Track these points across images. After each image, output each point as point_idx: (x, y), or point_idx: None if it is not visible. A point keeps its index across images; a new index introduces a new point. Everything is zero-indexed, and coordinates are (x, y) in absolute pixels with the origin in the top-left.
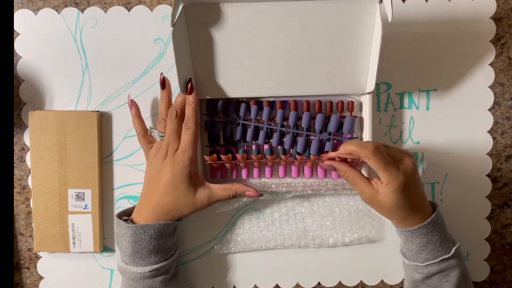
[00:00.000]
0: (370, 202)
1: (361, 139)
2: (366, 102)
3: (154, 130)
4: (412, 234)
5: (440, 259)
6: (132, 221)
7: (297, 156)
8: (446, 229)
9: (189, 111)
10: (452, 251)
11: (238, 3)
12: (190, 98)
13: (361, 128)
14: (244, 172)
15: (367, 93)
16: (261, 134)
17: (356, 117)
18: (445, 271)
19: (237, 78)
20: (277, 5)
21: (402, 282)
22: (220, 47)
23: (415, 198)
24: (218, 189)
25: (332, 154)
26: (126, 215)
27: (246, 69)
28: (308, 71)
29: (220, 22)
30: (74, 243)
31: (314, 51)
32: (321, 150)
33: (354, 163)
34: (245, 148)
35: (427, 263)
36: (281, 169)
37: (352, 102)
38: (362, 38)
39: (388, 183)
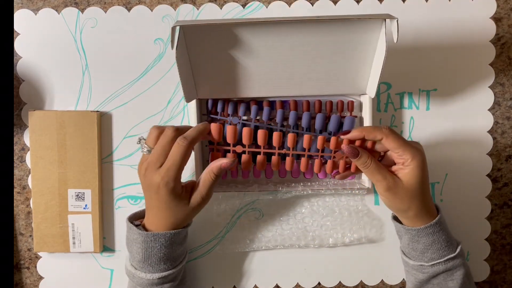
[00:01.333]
0: (392, 189)
1: None
2: (366, 102)
3: (143, 141)
4: (418, 233)
5: (446, 258)
6: (144, 227)
7: (305, 137)
8: (449, 229)
9: (193, 130)
10: (458, 250)
11: (237, 27)
12: (201, 126)
13: None
14: (244, 172)
15: (366, 93)
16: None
17: (356, 116)
18: (451, 270)
19: (237, 79)
20: (277, 26)
21: (402, 282)
22: (220, 52)
23: (428, 186)
24: (202, 180)
25: (343, 137)
26: (138, 218)
27: (246, 72)
28: (309, 75)
29: (219, 40)
30: (74, 243)
31: (316, 58)
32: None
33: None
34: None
35: (432, 263)
36: (281, 169)
37: (352, 102)
38: (366, 48)
39: (413, 157)
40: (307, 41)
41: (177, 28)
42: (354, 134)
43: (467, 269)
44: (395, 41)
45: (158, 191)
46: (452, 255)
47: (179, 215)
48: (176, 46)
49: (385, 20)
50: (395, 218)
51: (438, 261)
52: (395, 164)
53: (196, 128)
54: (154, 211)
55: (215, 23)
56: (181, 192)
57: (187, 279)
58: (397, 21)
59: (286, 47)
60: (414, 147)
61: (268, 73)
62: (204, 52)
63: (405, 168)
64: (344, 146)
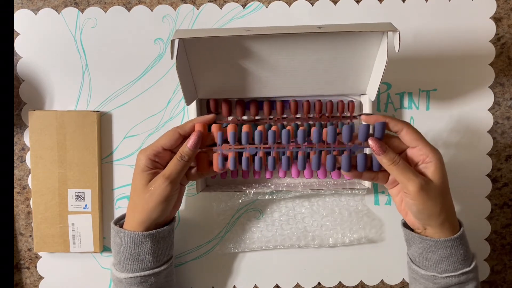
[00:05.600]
0: (425, 189)
1: None
2: (366, 102)
3: None
4: (436, 244)
5: (460, 272)
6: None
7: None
8: (468, 242)
9: (187, 121)
10: (473, 264)
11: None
12: (197, 117)
13: None
14: (244, 172)
15: (366, 94)
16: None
17: (354, 119)
18: (463, 283)
19: (237, 81)
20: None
21: (402, 282)
22: (220, 56)
23: (449, 195)
24: (169, 163)
25: (364, 117)
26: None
27: (247, 74)
28: (310, 78)
29: (220, 46)
30: (74, 243)
31: (316, 63)
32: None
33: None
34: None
35: (446, 275)
36: (281, 170)
37: (353, 102)
38: (367, 54)
39: (433, 150)
40: (307, 47)
41: (176, 40)
42: (378, 117)
43: (478, 282)
44: (396, 50)
45: (134, 171)
46: (467, 269)
47: (144, 202)
48: (176, 56)
49: (386, 33)
50: (405, 225)
51: (452, 274)
52: (415, 165)
53: (191, 120)
54: (130, 199)
55: (215, 36)
56: (147, 170)
57: None
58: (399, 33)
59: (286, 53)
60: (432, 146)
61: (268, 75)
62: (204, 56)
63: (429, 165)
64: (371, 140)
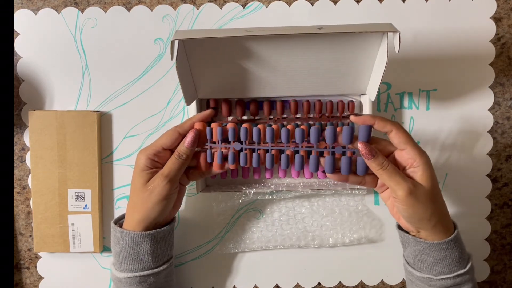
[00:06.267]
0: (414, 193)
1: None
2: (366, 102)
3: None
4: (430, 247)
5: (456, 274)
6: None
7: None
8: (463, 244)
9: (186, 120)
10: (468, 266)
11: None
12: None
13: None
14: (244, 172)
15: (366, 94)
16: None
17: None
18: (459, 284)
19: (237, 81)
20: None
21: (402, 282)
22: (220, 56)
23: (441, 198)
24: (167, 162)
25: (353, 118)
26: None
27: (247, 74)
28: (310, 78)
29: (220, 46)
30: (74, 243)
31: (317, 63)
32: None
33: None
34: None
35: (441, 277)
36: (280, 169)
37: (353, 102)
38: (367, 54)
39: (422, 154)
40: (308, 48)
41: (176, 41)
42: (366, 118)
43: (474, 283)
44: (396, 51)
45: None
46: (462, 271)
47: (143, 201)
48: (176, 56)
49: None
50: (400, 227)
51: (447, 276)
52: (403, 169)
53: (190, 118)
54: (129, 198)
55: (215, 36)
56: (147, 169)
57: None
58: (399, 34)
59: (287, 54)
60: (419, 147)
61: (268, 75)
62: (204, 56)
63: (417, 170)
64: (361, 144)
